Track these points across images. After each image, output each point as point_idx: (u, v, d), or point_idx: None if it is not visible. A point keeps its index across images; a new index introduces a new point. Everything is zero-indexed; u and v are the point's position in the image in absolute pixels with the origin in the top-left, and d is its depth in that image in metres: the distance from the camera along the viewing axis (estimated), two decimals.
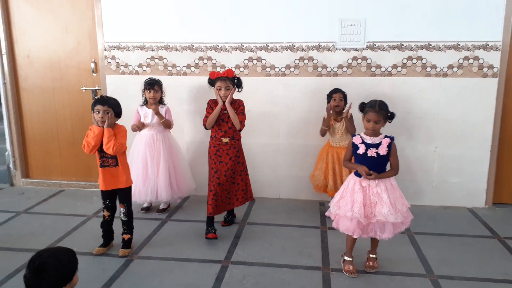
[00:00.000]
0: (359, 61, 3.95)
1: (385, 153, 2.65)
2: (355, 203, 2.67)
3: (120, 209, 3.13)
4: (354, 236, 2.73)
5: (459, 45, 3.81)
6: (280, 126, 4.17)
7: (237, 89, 3.43)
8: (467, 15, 3.75)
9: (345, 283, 2.74)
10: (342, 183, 3.52)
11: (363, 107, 2.76)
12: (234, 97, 3.40)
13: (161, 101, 3.81)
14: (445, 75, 3.87)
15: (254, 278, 2.79)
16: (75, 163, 4.61)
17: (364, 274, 2.84)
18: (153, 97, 3.69)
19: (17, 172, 4.71)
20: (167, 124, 3.77)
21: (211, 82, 3.38)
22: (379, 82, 3.95)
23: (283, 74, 4.07)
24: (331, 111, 3.59)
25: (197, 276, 2.83)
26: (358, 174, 2.74)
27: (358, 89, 3.91)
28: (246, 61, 4.10)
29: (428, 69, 3.88)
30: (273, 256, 3.11)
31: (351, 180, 2.77)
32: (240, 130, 3.41)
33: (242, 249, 3.22)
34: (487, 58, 3.80)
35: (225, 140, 3.39)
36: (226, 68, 4.09)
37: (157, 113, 3.69)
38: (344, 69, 3.98)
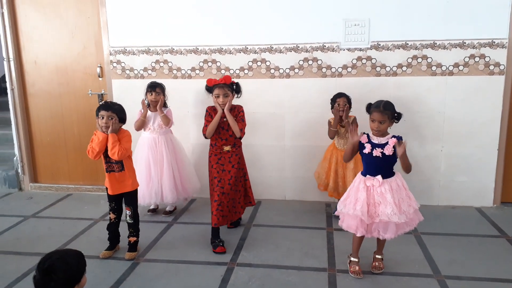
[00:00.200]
0: (364, 61, 3.93)
1: (391, 153, 2.63)
2: (358, 201, 2.68)
3: (126, 212, 3.15)
4: (358, 235, 2.71)
5: (465, 43, 3.78)
6: (285, 128, 4.17)
7: (236, 95, 3.34)
8: (472, 12, 3.72)
9: (351, 284, 2.73)
10: (344, 185, 3.52)
11: (369, 107, 2.75)
12: (233, 103, 3.32)
13: (164, 105, 3.78)
14: (451, 73, 3.84)
15: (260, 280, 2.79)
16: (82, 167, 4.65)
17: (370, 274, 2.82)
18: (155, 99, 3.68)
19: (25, 177, 4.76)
20: (165, 121, 3.70)
21: (209, 89, 3.29)
22: (384, 82, 3.93)
23: (288, 76, 4.07)
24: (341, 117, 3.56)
25: (203, 279, 2.83)
26: (363, 173, 2.74)
27: (363, 89, 3.90)
28: (250, 63, 4.10)
29: (434, 68, 3.85)
30: (279, 257, 3.10)
31: (357, 179, 2.78)
32: (240, 138, 3.32)
33: (248, 251, 3.22)
34: (493, 56, 3.76)
35: (227, 148, 3.31)
36: (226, 73, 4.13)
37: (159, 107, 3.65)
38: (349, 69, 3.96)
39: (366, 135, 2.74)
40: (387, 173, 2.68)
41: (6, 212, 4.15)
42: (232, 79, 3.33)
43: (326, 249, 3.20)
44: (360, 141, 2.74)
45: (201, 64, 4.18)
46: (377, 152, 2.66)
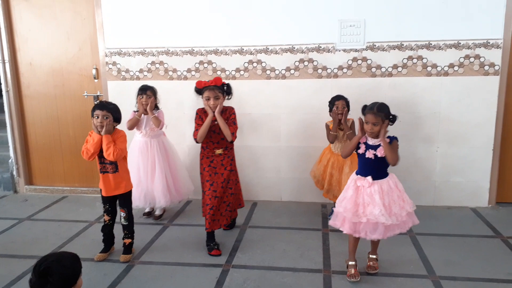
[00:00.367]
0: (359, 61, 3.94)
1: (383, 155, 2.63)
2: (344, 199, 2.71)
3: (121, 214, 3.14)
4: (344, 232, 2.71)
5: (460, 43, 3.78)
6: (281, 129, 4.17)
7: (227, 97, 3.23)
8: (467, 13, 3.73)
9: (346, 285, 2.72)
10: (339, 189, 3.47)
11: (364, 109, 2.75)
12: (224, 104, 3.20)
13: (155, 107, 3.72)
14: (446, 74, 3.85)
15: (255, 282, 2.79)
16: (78, 169, 4.64)
17: (365, 275, 2.82)
18: (145, 103, 3.61)
19: (20, 179, 4.75)
20: (156, 122, 3.60)
21: (198, 91, 3.18)
22: (379, 83, 3.93)
23: (284, 77, 4.07)
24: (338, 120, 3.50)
25: (198, 281, 2.83)
26: (357, 172, 2.76)
27: (359, 90, 3.90)
28: (246, 64, 4.10)
29: (429, 68, 3.86)
30: (274, 259, 3.10)
31: (351, 178, 2.81)
32: (231, 142, 3.21)
33: (243, 252, 3.21)
34: (488, 56, 3.77)
35: (218, 151, 3.23)
36: (221, 75, 4.12)
37: (150, 108, 3.57)
38: (344, 70, 3.97)
39: (365, 136, 2.75)
40: (379, 175, 2.68)
41: (1, 214, 4.13)
42: (224, 81, 3.24)
43: (322, 250, 3.20)
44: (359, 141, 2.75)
45: (197, 65, 4.17)
46: (369, 154, 2.66)
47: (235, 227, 3.67)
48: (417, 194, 3.99)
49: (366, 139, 2.73)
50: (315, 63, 3.99)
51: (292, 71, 4.04)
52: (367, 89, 3.92)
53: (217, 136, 3.20)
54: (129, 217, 3.15)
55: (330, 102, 3.60)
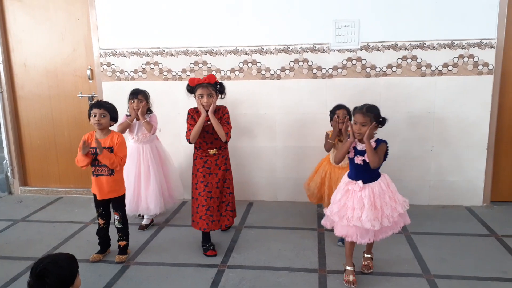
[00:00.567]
0: (354, 61, 3.95)
1: None
2: (334, 201, 2.71)
3: (115, 217, 3.13)
4: (336, 234, 2.71)
5: (454, 43, 3.80)
6: (276, 129, 4.17)
7: (220, 96, 3.18)
8: (461, 13, 3.74)
9: (342, 285, 2.73)
10: None
11: (354, 110, 2.74)
12: (217, 104, 3.13)
13: (148, 110, 3.61)
14: (440, 74, 3.86)
15: (250, 282, 2.79)
16: (73, 170, 4.62)
17: (360, 274, 2.82)
18: (137, 107, 3.49)
19: (15, 181, 4.73)
20: (148, 127, 3.49)
21: (191, 89, 3.12)
22: (374, 83, 3.94)
23: (279, 77, 4.07)
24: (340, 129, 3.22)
25: (193, 281, 2.82)
26: (349, 175, 2.73)
27: (354, 90, 3.91)
28: (241, 65, 4.10)
29: (423, 68, 3.87)
30: (270, 259, 3.10)
31: (343, 180, 2.78)
32: (226, 142, 3.17)
33: (238, 252, 3.21)
34: (482, 56, 3.79)
35: (212, 151, 3.18)
36: (217, 75, 4.11)
37: (141, 113, 3.46)
38: (339, 70, 3.97)
39: (356, 141, 2.70)
40: (369, 178, 2.64)
41: None
42: (217, 79, 3.19)
43: (317, 250, 3.21)
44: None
45: (192, 65, 4.17)
46: (358, 160, 2.63)
47: (231, 227, 3.66)
48: (412, 193, 4.00)
49: (355, 143, 2.69)
50: (310, 63, 4.00)
51: (287, 71, 4.05)
52: (362, 89, 3.93)
53: (210, 136, 3.15)
54: (123, 219, 3.15)
55: (331, 111, 3.39)
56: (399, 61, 3.89)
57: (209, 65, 4.14)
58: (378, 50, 3.90)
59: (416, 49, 3.85)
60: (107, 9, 4.19)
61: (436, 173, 4.02)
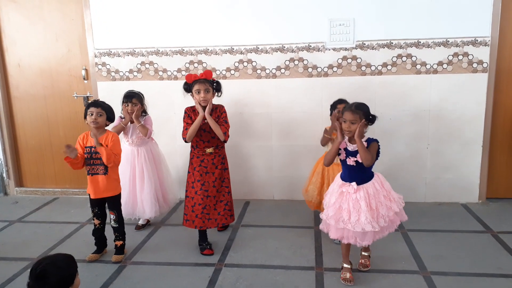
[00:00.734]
0: (349, 60, 3.95)
1: None
2: (328, 205, 2.68)
3: (110, 216, 3.13)
4: (331, 237, 2.70)
5: (448, 41, 3.82)
6: (272, 127, 4.17)
7: (216, 94, 3.19)
8: (455, 11, 3.76)
9: (338, 283, 2.73)
10: None
11: (343, 108, 2.73)
12: (214, 102, 3.19)
13: (143, 112, 3.56)
14: (435, 72, 3.88)
15: (247, 280, 2.79)
16: (68, 170, 4.56)
17: (357, 272, 2.83)
18: (131, 111, 3.43)
19: (10, 181, 4.71)
20: (143, 131, 3.44)
21: (188, 88, 3.12)
22: (369, 81, 3.96)
23: (274, 76, 4.08)
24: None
25: (190, 280, 2.82)
26: (342, 177, 2.71)
27: (349, 89, 3.92)
28: (236, 64, 4.10)
29: (418, 66, 3.89)
30: (267, 257, 3.10)
31: (335, 182, 2.75)
32: (225, 141, 3.17)
33: (235, 251, 3.22)
34: (476, 54, 3.81)
35: (209, 150, 3.17)
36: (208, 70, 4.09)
37: (136, 116, 3.40)
38: (335, 69, 3.98)
39: (344, 141, 2.67)
40: (363, 179, 2.62)
41: None
42: (213, 77, 3.21)
43: (314, 248, 3.21)
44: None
45: (187, 65, 4.17)
46: (350, 161, 2.61)
47: (228, 226, 3.66)
48: (408, 190, 4.02)
49: (346, 145, 2.66)
50: (305, 62, 4.00)
51: (282, 70, 4.05)
52: (357, 87, 3.94)
53: (207, 134, 3.15)
54: (119, 219, 3.14)
55: (331, 105, 3.36)
56: (394, 59, 3.90)
57: (204, 65, 4.14)
58: (373, 49, 3.91)
59: (411, 47, 3.87)
60: (102, 9, 4.17)
61: (432, 170, 4.04)
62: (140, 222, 3.71)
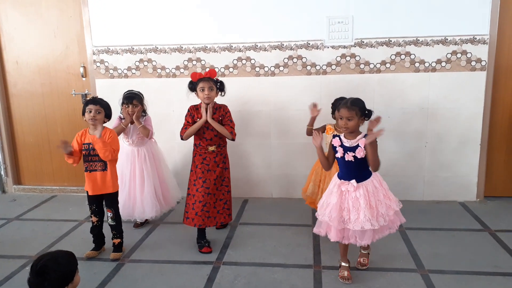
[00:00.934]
0: (348, 58, 3.95)
1: (363, 155, 2.56)
2: (328, 206, 2.64)
3: (108, 214, 3.12)
4: (332, 240, 2.64)
5: (447, 39, 3.81)
6: (271, 125, 4.17)
7: (220, 93, 3.27)
8: (454, 9, 3.76)
9: (336, 281, 2.74)
10: None
11: (338, 105, 2.73)
12: (217, 102, 3.27)
13: (142, 112, 3.55)
14: (433, 70, 3.88)
15: (245, 278, 2.79)
16: (67, 168, 4.59)
17: (355, 270, 2.84)
18: (132, 112, 3.42)
19: (8, 179, 4.70)
20: (145, 132, 3.45)
21: (193, 87, 3.19)
22: (368, 79, 3.95)
23: (273, 74, 4.07)
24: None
25: (189, 278, 2.82)
26: (339, 176, 2.68)
27: (348, 87, 3.91)
28: (235, 61, 4.09)
29: (417, 64, 3.89)
30: (265, 255, 3.11)
31: (332, 182, 2.73)
32: (233, 140, 3.24)
33: (234, 249, 3.22)
34: (475, 52, 3.81)
35: (211, 148, 3.22)
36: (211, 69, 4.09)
37: (136, 117, 3.41)
38: (333, 66, 3.98)
39: (338, 138, 2.67)
40: (362, 176, 2.61)
41: None
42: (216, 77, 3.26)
43: (312, 246, 3.22)
44: (333, 144, 2.68)
45: (186, 62, 4.16)
46: (349, 157, 2.59)
47: (227, 225, 3.66)
48: (406, 189, 4.03)
49: (342, 141, 2.65)
50: (304, 60, 4.00)
51: (281, 68, 4.05)
52: (356, 85, 3.93)
53: (210, 132, 3.19)
54: (116, 217, 3.14)
55: (333, 104, 3.38)
56: (393, 57, 3.90)
57: (203, 62, 4.13)
58: (372, 47, 3.90)
59: (410, 45, 3.86)
60: (100, 6, 4.16)
61: (430, 169, 4.04)
62: (139, 220, 3.70)
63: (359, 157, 2.57)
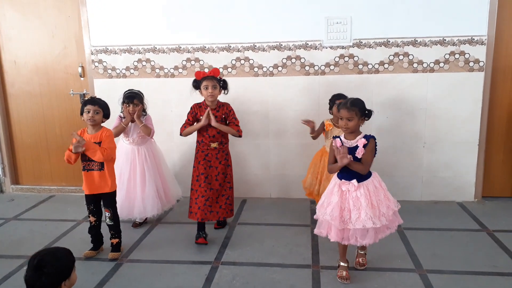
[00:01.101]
0: (346, 58, 3.95)
1: (362, 156, 2.58)
2: (329, 205, 2.63)
3: (106, 214, 3.12)
4: (332, 240, 2.64)
5: (445, 40, 3.82)
6: (269, 126, 4.17)
7: (223, 91, 3.35)
8: (452, 10, 3.76)
9: (335, 281, 2.74)
10: None
11: (338, 106, 2.73)
12: (220, 100, 3.35)
13: (143, 111, 3.56)
14: (432, 70, 3.89)
15: (244, 278, 2.79)
16: (65, 168, 4.58)
17: (353, 270, 2.84)
18: (133, 111, 3.43)
19: (6, 179, 4.69)
20: (146, 131, 3.47)
21: (196, 84, 3.26)
22: (366, 80, 3.96)
23: (271, 74, 4.07)
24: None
25: (187, 278, 2.82)
26: (339, 176, 2.68)
27: (346, 87, 3.91)
28: (233, 62, 4.09)
29: (415, 65, 3.89)
30: (264, 255, 3.10)
31: (332, 182, 2.73)
32: (240, 136, 3.35)
33: (232, 249, 3.22)
34: (473, 53, 3.81)
35: (214, 145, 3.30)
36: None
37: (137, 116, 3.41)
38: (332, 67, 3.98)
39: (338, 139, 2.67)
40: (363, 176, 2.61)
41: None
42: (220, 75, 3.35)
43: (311, 246, 3.22)
44: (333, 145, 2.68)
45: (184, 62, 4.16)
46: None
47: (225, 224, 3.66)
48: (405, 189, 4.04)
49: (342, 142, 2.65)
50: (302, 60, 4.00)
51: (279, 68, 4.05)
52: (354, 86, 3.94)
53: (213, 130, 3.27)
54: (114, 217, 3.14)
55: (330, 100, 3.50)
56: (391, 58, 3.90)
57: (201, 62, 4.13)
58: (370, 47, 3.91)
59: (408, 46, 3.87)
60: (98, 6, 4.15)
61: (428, 169, 4.05)
62: (137, 220, 3.69)
63: (359, 157, 2.58)
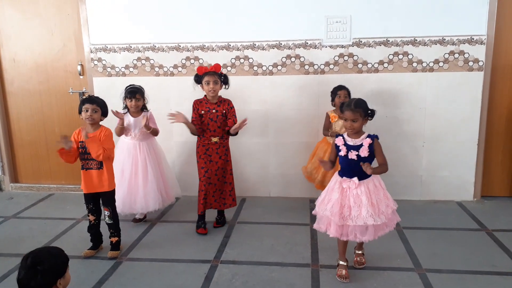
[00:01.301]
0: (346, 58, 3.95)
1: (366, 155, 2.59)
2: (330, 201, 2.65)
3: (105, 213, 3.12)
4: (331, 235, 2.66)
5: (445, 39, 3.82)
6: (269, 125, 4.17)
7: (224, 86, 3.43)
8: (452, 9, 3.77)
9: (334, 279, 2.74)
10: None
11: (341, 107, 2.75)
12: (222, 96, 3.41)
13: (143, 108, 3.59)
14: (431, 70, 3.89)
15: (243, 277, 2.79)
16: (64, 166, 4.56)
17: (353, 269, 2.84)
18: (135, 106, 3.47)
19: (5, 177, 4.68)
20: (155, 133, 3.57)
21: (198, 79, 3.36)
22: (366, 79, 3.96)
23: (271, 73, 4.07)
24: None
25: (186, 277, 2.82)
26: (340, 174, 2.70)
27: (346, 86, 3.91)
28: (233, 60, 4.09)
29: (415, 64, 3.90)
30: (263, 254, 3.11)
31: (333, 179, 2.74)
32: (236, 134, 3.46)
33: (232, 248, 3.22)
34: (472, 52, 3.82)
35: (214, 139, 3.39)
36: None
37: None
38: (331, 66, 3.98)
39: (341, 137, 2.69)
40: (364, 174, 2.61)
41: None
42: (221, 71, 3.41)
43: (310, 245, 3.22)
44: (335, 144, 2.71)
45: (184, 61, 4.15)
46: (352, 155, 2.61)
47: (224, 224, 3.66)
48: (404, 188, 4.05)
49: (345, 140, 2.68)
50: (302, 59, 4.00)
51: (279, 67, 4.05)
52: (354, 85, 3.92)
53: (214, 124, 3.36)
54: (114, 215, 3.14)
55: (332, 92, 3.68)
56: (391, 57, 3.90)
57: (201, 61, 4.13)
58: (369, 46, 3.91)
59: (408, 45, 3.87)
60: (97, 4, 4.15)
61: (427, 168, 4.05)
62: (138, 216, 3.71)
63: (362, 155, 2.60)
